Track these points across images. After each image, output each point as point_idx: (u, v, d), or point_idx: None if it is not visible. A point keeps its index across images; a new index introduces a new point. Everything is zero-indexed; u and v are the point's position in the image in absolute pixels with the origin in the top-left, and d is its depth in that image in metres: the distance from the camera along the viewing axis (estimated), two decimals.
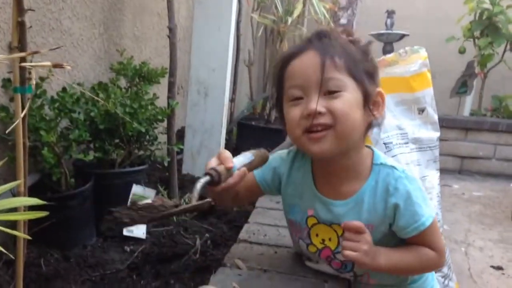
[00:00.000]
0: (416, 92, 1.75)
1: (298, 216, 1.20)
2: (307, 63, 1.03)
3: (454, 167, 4.51)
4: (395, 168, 1.09)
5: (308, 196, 1.17)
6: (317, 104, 1.00)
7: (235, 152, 3.33)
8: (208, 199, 0.94)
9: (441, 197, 1.80)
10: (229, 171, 1.05)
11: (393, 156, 1.68)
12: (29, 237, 0.92)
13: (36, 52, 1.25)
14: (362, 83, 1.04)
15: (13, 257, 1.11)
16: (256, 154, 1.17)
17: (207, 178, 1.02)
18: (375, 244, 1.08)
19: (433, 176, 1.78)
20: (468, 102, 5.02)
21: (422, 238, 1.09)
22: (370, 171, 1.10)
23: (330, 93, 1.01)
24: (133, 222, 1.32)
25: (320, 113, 1.01)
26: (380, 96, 1.09)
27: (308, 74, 1.02)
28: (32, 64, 0.87)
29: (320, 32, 1.07)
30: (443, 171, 1.84)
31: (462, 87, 4.74)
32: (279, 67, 1.10)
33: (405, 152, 1.72)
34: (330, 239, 1.15)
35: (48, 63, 0.82)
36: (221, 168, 1.04)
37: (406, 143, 1.74)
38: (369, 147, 1.17)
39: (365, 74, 1.05)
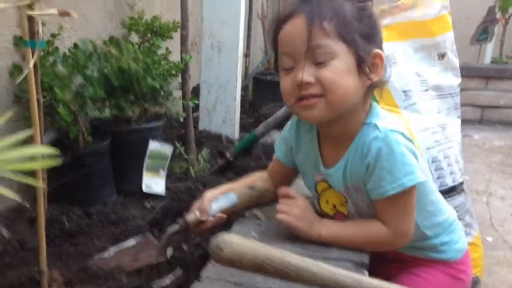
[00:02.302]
0: (436, 36, 1.69)
1: (308, 182, 1.19)
2: (294, 31, 0.98)
3: (475, 117, 4.44)
4: (377, 127, 1.01)
5: (315, 161, 1.13)
6: (303, 74, 0.96)
7: (251, 108, 3.25)
8: None
9: (462, 148, 1.77)
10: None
11: (412, 104, 1.64)
12: (42, 185, 0.91)
13: None
14: (355, 47, 0.98)
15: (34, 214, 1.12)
16: (244, 194, 1.18)
17: (175, 227, 1.12)
18: (368, 208, 1.06)
19: (454, 123, 1.74)
20: (489, 50, 4.86)
21: (382, 208, 1.04)
22: (359, 131, 1.05)
23: (319, 62, 0.97)
24: None
25: (308, 83, 0.97)
26: (378, 57, 1.01)
27: (296, 42, 0.98)
28: (38, 13, 0.85)
29: None
30: (462, 121, 1.80)
31: (482, 34, 4.58)
32: (272, 32, 1.05)
33: (425, 99, 1.68)
34: (342, 204, 1.12)
35: (54, 11, 0.80)
36: (191, 218, 1.11)
37: (426, 90, 1.69)
38: (372, 104, 1.09)
39: (359, 36, 0.98)
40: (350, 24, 0.98)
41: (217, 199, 1.15)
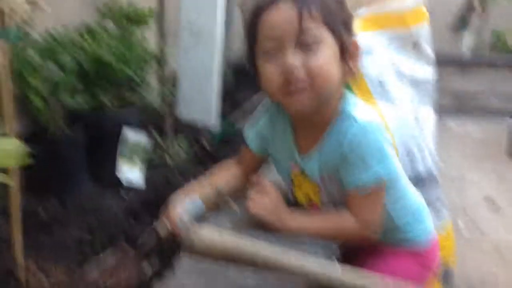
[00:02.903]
0: (411, 27, 1.70)
1: (282, 171, 1.19)
2: (283, 14, 0.98)
3: (451, 105, 4.50)
4: (354, 117, 1.03)
5: (290, 150, 1.14)
6: (293, 58, 0.96)
7: (230, 95, 3.22)
8: None
9: (437, 135, 1.79)
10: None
11: (386, 94, 1.66)
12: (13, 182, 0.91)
13: None
14: (339, 35, 1.00)
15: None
16: (209, 199, 1.19)
17: (150, 243, 1.18)
18: (341, 198, 1.07)
19: (428, 112, 1.76)
20: (467, 38, 4.92)
21: (353, 198, 1.06)
22: (334, 120, 1.05)
23: (308, 47, 0.97)
24: None
25: (297, 69, 0.97)
26: (355, 47, 1.04)
27: (285, 25, 0.97)
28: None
29: None
30: (439, 108, 1.82)
31: (461, 22, 4.63)
32: (251, 18, 1.03)
33: (400, 89, 1.70)
34: (315, 193, 1.13)
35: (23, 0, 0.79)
36: (164, 233, 1.12)
37: (401, 80, 1.71)
38: (344, 92, 1.10)
39: (342, 25, 1.01)
40: (334, 12, 1.00)
41: (186, 209, 1.16)
